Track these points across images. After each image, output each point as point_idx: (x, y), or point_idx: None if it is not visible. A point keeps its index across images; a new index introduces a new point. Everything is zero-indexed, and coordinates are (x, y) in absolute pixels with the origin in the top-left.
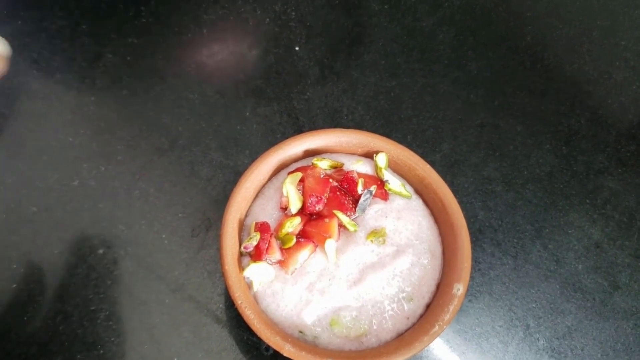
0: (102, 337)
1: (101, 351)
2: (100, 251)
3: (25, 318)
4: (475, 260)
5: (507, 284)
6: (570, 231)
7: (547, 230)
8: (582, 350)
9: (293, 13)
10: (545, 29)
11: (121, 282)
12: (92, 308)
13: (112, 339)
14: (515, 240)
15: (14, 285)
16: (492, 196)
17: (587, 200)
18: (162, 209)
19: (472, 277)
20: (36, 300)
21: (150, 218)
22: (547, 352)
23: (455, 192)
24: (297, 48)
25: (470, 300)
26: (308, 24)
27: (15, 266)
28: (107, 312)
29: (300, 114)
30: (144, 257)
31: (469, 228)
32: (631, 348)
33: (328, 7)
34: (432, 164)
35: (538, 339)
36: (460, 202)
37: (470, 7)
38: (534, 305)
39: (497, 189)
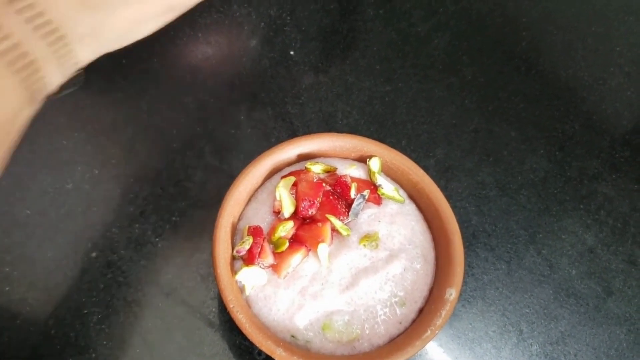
0: (94, 340)
1: (93, 355)
2: (93, 254)
3: (17, 321)
4: (468, 265)
5: (500, 289)
6: (563, 236)
7: (540, 235)
8: (575, 355)
9: (288, 18)
10: (540, 35)
11: (114, 285)
12: (85, 311)
13: (105, 343)
14: (509, 246)
15: (7, 288)
16: (486, 201)
17: (581, 206)
18: (156, 213)
19: (465, 282)
20: (29, 303)
21: (143, 221)
22: (541, 358)
23: (449, 197)
24: (292, 52)
25: (463, 305)
26: (303, 28)
27: (8, 269)
28: (99, 316)
29: (295, 119)
30: (137, 261)
31: (463, 233)
32: (624, 354)
33: (323, 12)
34: (426, 168)
35: (531, 344)
36: (454, 207)
37: (465, 13)
38: (527, 311)
39: (491, 194)
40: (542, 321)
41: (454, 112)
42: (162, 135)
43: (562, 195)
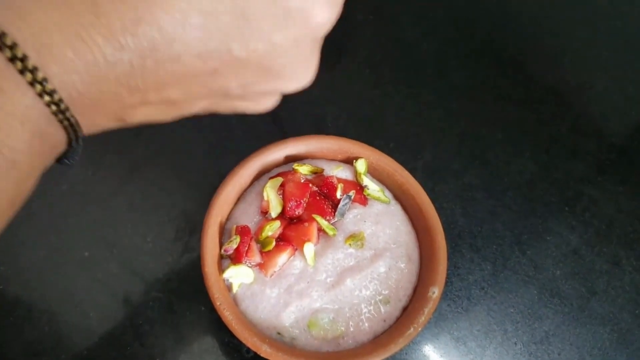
0: (87, 337)
1: (85, 352)
2: (86, 253)
3: (11, 318)
4: (454, 266)
5: (485, 289)
6: (548, 238)
7: (525, 236)
8: (559, 354)
9: None
10: (527, 40)
11: (106, 284)
12: (78, 309)
13: (97, 340)
14: (494, 246)
15: (1, 286)
16: (472, 203)
17: (566, 208)
18: (148, 213)
19: (451, 282)
20: (22, 301)
21: (135, 222)
22: (525, 357)
23: (435, 199)
24: None
25: (448, 305)
26: None
27: (2, 268)
28: (91, 313)
29: (285, 122)
30: (128, 260)
31: (449, 234)
32: (607, 353)
33: None
34: (414, 171)
35: (515, 344)
36: (441, 209)
37: (453, 19)
38: (512, 310)
39: (477, 195)
40: (527, 321)
41: (442, 116)
42: (156, 138)
43: (548, 197)
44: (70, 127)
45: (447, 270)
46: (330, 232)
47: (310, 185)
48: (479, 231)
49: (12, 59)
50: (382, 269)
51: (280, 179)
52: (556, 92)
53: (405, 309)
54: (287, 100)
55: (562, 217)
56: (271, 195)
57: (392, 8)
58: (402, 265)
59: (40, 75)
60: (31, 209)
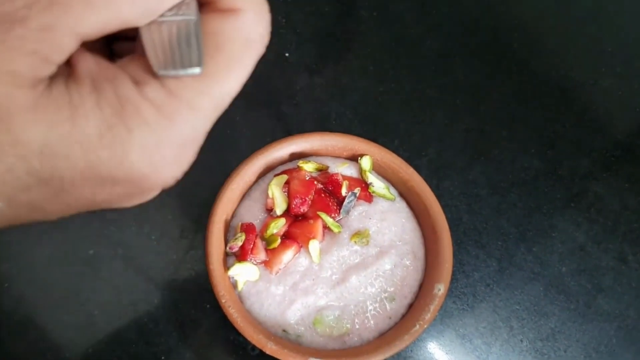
0: (91, 335)
1: (90, 350)
2: (91, 252)
3: (15, 316)
4: (459, 263)
5: (491, 286)
6: (554, 234)
7: (531, 233)
8: (565, 352)
9: (283, 20)
10: (532, 36)
11: (111, 282)
12: (82, 307)
13: (101, 338)
14: (499, 243)
15: (6, 285)
16: (477, 200)
17: (572, 204)
18: (153, 211)
19: (456, 279)
20: (27, 299)
21: (140, 220)
22: (531, 354)
23: (440, 196)
24: (287, 54)
25: (454, 302)
26: (298, 30)
27: (7, 265)
28: (96, 311)
29: (289, 119)
30: (133, 258)
31: (454, 231)
32: (614, 350)
33: (318, 15)
34: (419, 168)
35: (521, 340)
36: (446, 206)
37: (457, 15)
38: (517, 307)
39: (482, 192)
40: (533, 317)
41: (446, 112)
42: None
43: (553, 194)
44: None
45: (453, 267)
46: (336, 230)
47: (315, 182)
48: (484, 228)
49: None
50: (388, 266)
51: (285, 177)
52: (561, 88)
53: (410, 306)
54: (291, 97)
55: (568, 213)
56: (276, 192)
57: (396, 5)
58: (408, 263)
59: None
60: None
